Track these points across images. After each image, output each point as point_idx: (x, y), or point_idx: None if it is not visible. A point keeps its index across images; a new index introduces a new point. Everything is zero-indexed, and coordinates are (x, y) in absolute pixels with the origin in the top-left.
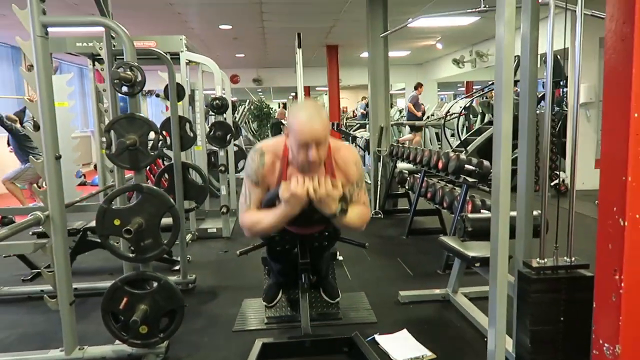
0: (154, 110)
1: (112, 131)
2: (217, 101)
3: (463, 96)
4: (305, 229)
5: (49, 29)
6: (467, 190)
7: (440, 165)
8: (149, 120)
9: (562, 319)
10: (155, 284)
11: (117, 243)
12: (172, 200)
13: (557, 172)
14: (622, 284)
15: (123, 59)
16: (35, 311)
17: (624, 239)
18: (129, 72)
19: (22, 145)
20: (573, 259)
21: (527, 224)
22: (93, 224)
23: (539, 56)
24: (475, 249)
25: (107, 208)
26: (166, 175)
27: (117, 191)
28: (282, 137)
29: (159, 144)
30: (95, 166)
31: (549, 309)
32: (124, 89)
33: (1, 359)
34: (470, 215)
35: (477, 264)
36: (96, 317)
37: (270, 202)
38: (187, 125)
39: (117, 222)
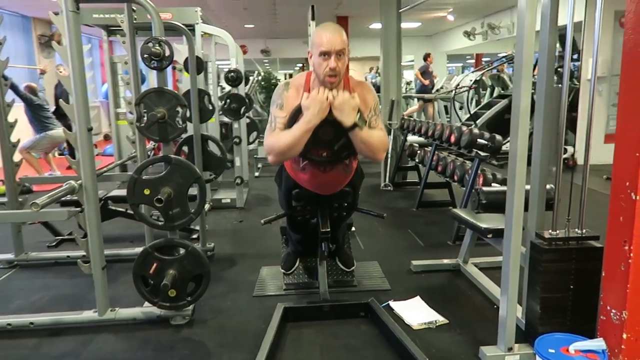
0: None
1: (141, 104)
2: (232, 73)
3: (473, 69)
4: (326, 181)
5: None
6: (479, 164)
7: (452, 139)
8: (177, 94)
9: (571, 287)
10: (183, 251)
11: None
12: (198, 171)
13: (566, 147)
14: (631, 254)
15: (144, 30)
16: (62, 275)
17: (634, 212)
18: (157, 47)
19: (36, 115)
20: (584, 230)
21: (540, 197)
22: (113, 193)
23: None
24: (487, 221)
25: (137, 178)
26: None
27: (147, 162)
28: (303, 72)
29: (186, 116)
30: (105, 136)
31: (560, 278)
32: (153, 63)
33: (40, 318)
34: (484, 188)
35: (490, 235)
36: (122, 282)
37: (293, 119)
38: (206, 97)
39: (147, 192)
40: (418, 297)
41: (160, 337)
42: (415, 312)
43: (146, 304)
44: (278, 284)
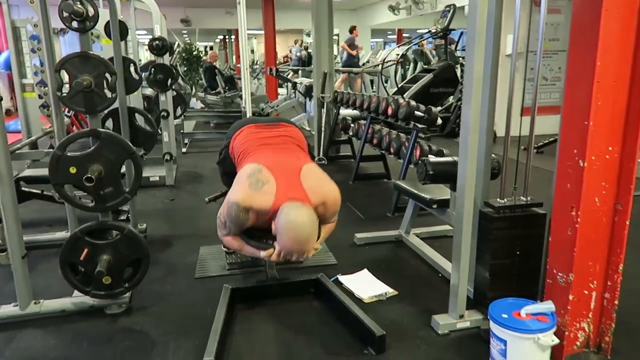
0: (69, 50)
1: (62, 71)
2: (157, 42)
3: (398, 45)
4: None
5: None
6: (416, 135)
7: (389, 111)
8: (104, 59)
9: (517, 253)
10: (117, 234)
11: (51, 192)
12: (132, 147)
13: None
14: (579, 219)
15: None
16: None
17: (582, 179)
18: (80, 6)
19: None
20: (529, 198)
21: (486, 166)
22: (26, 173)
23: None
24: (431, 192)
25: (61, 155)
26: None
27: (72, 136)
28: (265, 197)
29: (115, 84)
30: (6, 112)
31: (507, 245)
32: (75, 24)
33: None
34: (431, 159)
35: (435, 206)
36: (43, 270)
37: (252, 247)
38: (132, 66)
39: (72, 170)
40: (365, 270)
41: (96, 329)
42: (365, 285)
43: (76, 293)
44: (220, 263)
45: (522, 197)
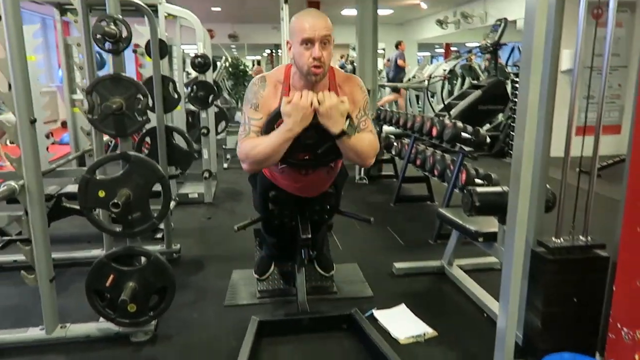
0: (127, 67)
1: (94, 93)
2: (200, 59)
3: (446, 60)
4: (307, 184)
5: None
6: (462, 159)
7: (434, 132)
8: (136, 81)
9: (575, 300)
10: (144, 260)
11: (96, 212)
12: (162, 170)
13: None
14: None
15: (99, 9)
16: (7, 282)
17: None
18: (113, 27)
19: None
20: (589, 238)
21: (539, 199)
22: (68, 189)
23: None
24: (478, 223)
25: (90, 178)
26: (147, 140)
27: (102, 160)
28: (282, 66)
29: (147, 107)
30: (62, 123)
31: (563, 290)
32: (107, 45)
33: None
34: (478, 189)
35: (481, 239)
36: (76, 290)
37: (271, 124)
38: (171, 85)
39: (101, 194)
40: (403, 305)
41: (119, 357)
42: (402, 323)
43: (102, 318)
44: (251, 290)
45: (581, 237)
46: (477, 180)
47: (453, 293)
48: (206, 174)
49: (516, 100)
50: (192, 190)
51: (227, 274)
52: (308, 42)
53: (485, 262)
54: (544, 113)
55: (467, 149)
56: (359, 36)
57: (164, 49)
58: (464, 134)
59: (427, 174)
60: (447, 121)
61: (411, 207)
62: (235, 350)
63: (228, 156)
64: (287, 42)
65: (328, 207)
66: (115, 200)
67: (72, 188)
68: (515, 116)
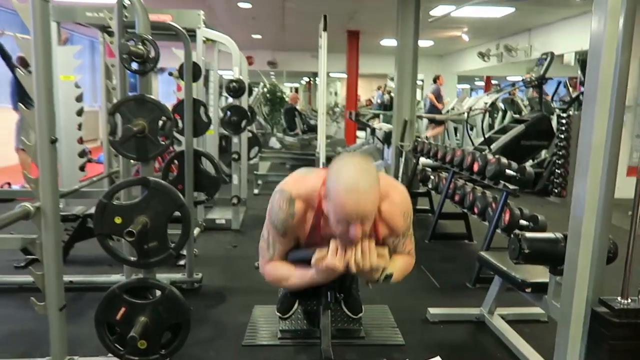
0: (164, 88)
1: (117, 114)
2: (235, 84)
3: (487, 93)
4: None
5: None
6: (506, 197)
7: (475, 167)
8: (160, 103)
9: None
10: (158, 293)
11: (118, 240)
12: (182, 197)
13: None
14: None
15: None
16: (25, 305)
17: None
18: (140, 47)
19: (21, 89)
20: None
21: (601, 249)
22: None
23: (571, 54)
24: (525, 271)
25: (107, 203)
26: (176, 162)
27: (120, 185)
28: (315, 176)
29: (171, 130)
30: (102, 142)
31: (630, 359)
32: (134, 65)
33: None
34: (527, 235)
35: (528, 290)
36: (90, 318)
37: (299, 260)
38: (202, 109)
39: (118, 220)
40: (438, 358)
41: None
42: None
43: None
44: (272, 329)
45: None
46: (522, 222)
47: (494, 347)
48: (235, 200)
49: (561, 136)
50: (220, 215)
51: (248, 309)
52: (346, 221)
53: (530, 312)
54: (607, 153)
55: (511, 187)
56: (398, 67)
57: (197, 73)
58: (508, 171)
59: (465, 211)
60: (490, 156)
61: (447, 245)
62: None
63: (259, 182)
64: (322, 190)
65: None
66: (131, 229)
67: None
68: (560, 153)
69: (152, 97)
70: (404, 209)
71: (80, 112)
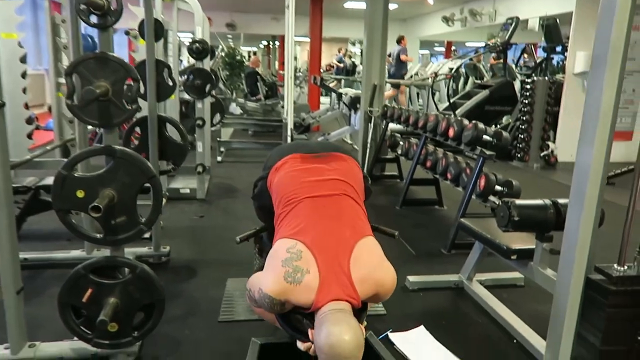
0: (115, 51)
1: (75, 75)
2: (198, 45)
3: (452, 58)
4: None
5: None
6: (482, 163)
7: (451, 133)
8: (126, 63)
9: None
10: (128, 271)
11: (77, 214)
12: (152, 168)
13: (548, 143)
14: None
15: None
16: None
17: None
18: None
19: None
20: None
21: (595, 218)
22: (48, 181)
23: (536, 19)
24: (508, 237)
25: (67, 175)
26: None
27: (82, 154)
28: (307, 290)
29: (138, 93)
30: (50, 108)
31: (626, 327)
32: (93, 19)
33: None
34: (517, 202)
35: (514, 257)
36: (50, 298)
37: (286, 330)
38: (166, 71)
39: (80, 194)
40: (422, 328)
41: None
42: (424, 351)
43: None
44: (249, 304)
45: None
46: (497, 187)
47: (475, 313)
48: (200, 169)
49: (525, 102)
50: (184, 185)
51: (221, 283)
52: None
53: (507, 277)
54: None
55: (488, 152)
56: (367, 31)
57: (159, 31)
58: (485, 137)
59: (437, 176)
60: (466, 122)
61: (419, 211)
62: None
63: (222, 149)
64: (310, 333)
65: None
66: (96, 204)
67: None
68: (524, 118)
69: (115, 55)
70: (388, 295)
71: (24, 75)
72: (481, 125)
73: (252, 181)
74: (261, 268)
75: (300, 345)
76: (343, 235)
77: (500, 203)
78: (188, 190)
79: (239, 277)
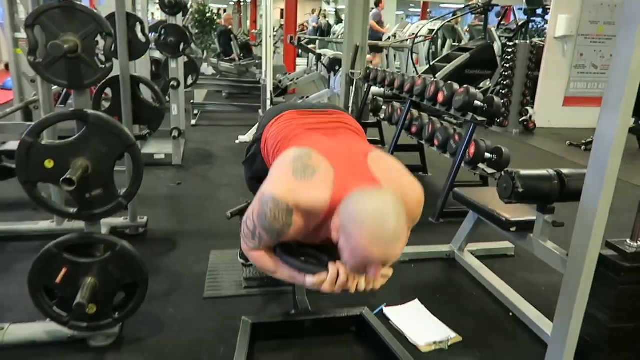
0: None
1: (37, 27)
2: None
3: (431, 20)
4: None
5: None
6: (474, 129)
7: (440, 98)
8: (97, 14)
9: None
10: (106, 249)
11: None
12: (131, 136)
13: (527, 108)
14: None
15: None
16: None
17: None
18: None
19: None
20: None
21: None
22: (10, 146)
23: None
24: (506, 209)
25: (33, 143)
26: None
27: (49, 119)
28: (319, 185)
29: (111, 49)
30: (6, 66)
31: (636, 304)
32: None
33: None
34: (522, 172)
35: (513, 229)
36: (19, 274)
37: (292, 267)
38: (139, 26)
39: (49, 164)
40: (417, 301)
41: None
42: (419, 324)
43: None
44: (235, 278)
45: None
46: (487, 155)
47: (469, 286)
48: (175, 133)
49: (507, 66)
50: (158, 150)
51: (204, 255)
52: (365, 263)
53: (498, 247)
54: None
55: (479, 118)
56: None
57: None
58: (476, 102)
59: (423, 142)
60: (456, 86)
61: None
62: (223, 358)
63: (196, 111)
64: (335, 222)
65: None
66: (69, 176)
67: (15, 145)
68: (504, 82)
69: (84, 5)
70: (419, 210)
71: None
72: (473, 90)
73: (229, 146)
74: None
75: (311, 279)
76: (354, 145)
77: (502, 174)
78: (163, 156)
79: (222, 250)
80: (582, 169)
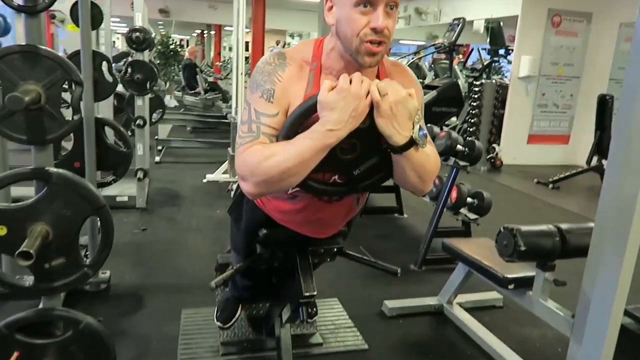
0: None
1: None
2: (138, 34)
3: (399, 57)
4: (325, 217)
5: None
6: (456, 174)
7: None
8: (64, 59)
9: None
10: (68, 327)
11: None
12: (101, 197)
13: (494, 146)
14: None
15: None
16: None
17: None
18: None
19: None
20: None
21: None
22: None
23: (481, 22)
24: (501, 263)
25: None
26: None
27: (2, 179)
28: (308, 41)
29: (80, 100)
30: None
31: None
32: (17, 1)
33: None
34: (523, 229)
35: (511, 287)
36: None
37: (295, 126)
38: (105, 65)
39: (1, 232)
40: None
41: None
42: None
43: None
44: (211, 342)
45: None
46: (469, 199)
47: (461, 342)
48: (140, 174)
49: (474, 104)
50: (120, 191)
51: (175, 314)
52: (368, 3)
53: (486, 298)
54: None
55: (462, 163)
56: (321, 23)
57: (97, 17)
58: (459, 147)
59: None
60: (436, 129)
61: (380, 220)
62: None
63: (160, 148)
64: (326, 2)
65: (335, 249)
66: (25, 249)
67: None
68: (472, 121)
69: (49, 49)
70: (413, 76)
71: None
72: (454, 134)
73: (196, 185)
74: (225, 300)
75: (321, 93)
76: None
77: (502, 229)
78: (126, 198)
79: (195, 308)
80: (575, 222)
